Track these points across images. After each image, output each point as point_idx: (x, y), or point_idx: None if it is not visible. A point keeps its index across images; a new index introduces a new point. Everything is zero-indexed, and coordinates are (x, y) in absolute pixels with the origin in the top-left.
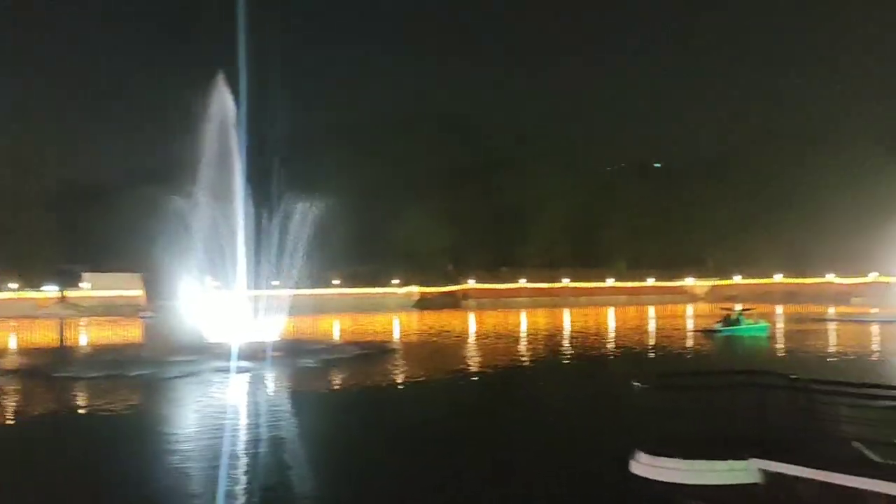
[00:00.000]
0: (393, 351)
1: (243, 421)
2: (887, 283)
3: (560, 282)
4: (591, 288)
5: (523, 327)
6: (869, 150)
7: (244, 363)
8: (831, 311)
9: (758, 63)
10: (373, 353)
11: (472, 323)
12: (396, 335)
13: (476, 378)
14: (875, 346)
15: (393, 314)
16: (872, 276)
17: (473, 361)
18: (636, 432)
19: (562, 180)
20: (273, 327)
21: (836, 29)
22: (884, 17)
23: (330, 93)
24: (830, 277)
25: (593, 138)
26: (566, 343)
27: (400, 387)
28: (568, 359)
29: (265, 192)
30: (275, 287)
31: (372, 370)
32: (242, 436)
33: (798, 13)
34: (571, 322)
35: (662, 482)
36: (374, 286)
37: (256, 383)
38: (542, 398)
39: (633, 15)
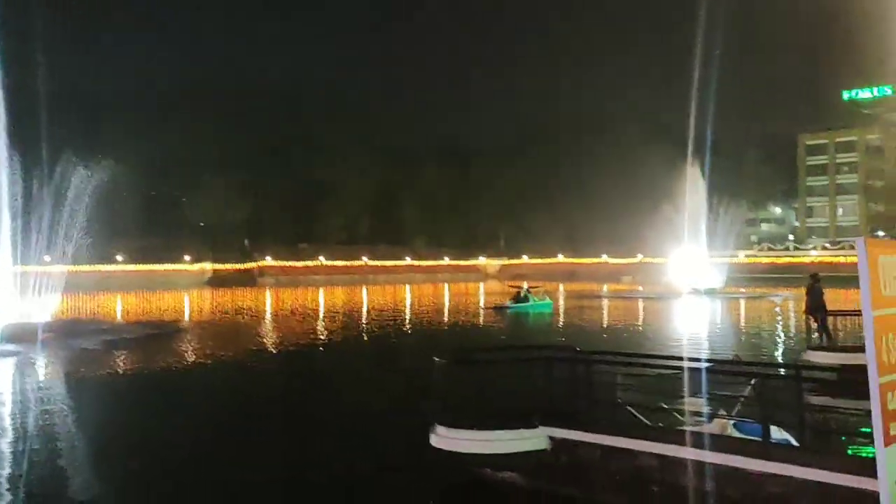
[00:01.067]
0: (182, 331)
1: (3, 412)
2: (653, 263)
3: (359, 260)
4: (389, 266)
5: (321, 305)
6: (639, 141)
7: (8, 346)
8: (605, 288)
9: (557, 53)
10: (160, 333)
11: (268, 301)
12: (187, 314)
13: (271, 358)
14: (641, 320)
15: (184, 292)
16: (640, 257)
17: (268, 341)
18: (435, 406)
19: (363, 158)
20: (45, 307)
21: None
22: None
23: (124, 55)
24: (605, 258)
25: (399, 117)
26: (364, 321)
27: (189, 370)
28: (366, 336)
29: (36, 156)
30: (46, 263)
31: (158, 352)
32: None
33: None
34: (369, 300)
35: (460, 453)
36: (164, 263)
37: (23, 368)
38: (340, 376)
39: (444, 5)
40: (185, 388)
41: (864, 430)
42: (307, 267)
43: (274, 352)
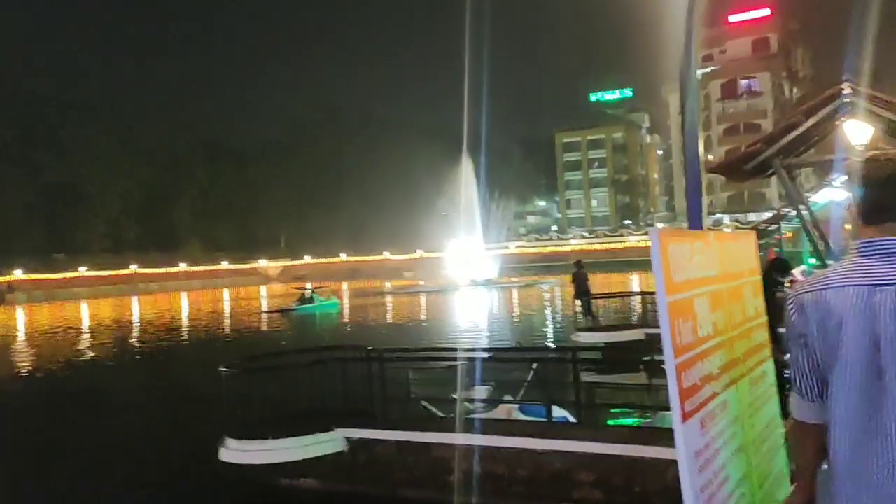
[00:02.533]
0: None
1: None
2: (432, 258)
3: (127, 268)
4: (161, 273)
5: (85, 320)
6: (415, 139)
7: None
8: (388, 285)
9: (333, 50)
10: None
11: (20, 319)
12: None
13: (28, 383)
14: (425, 314)
15: None
16: (420, 253)
17: (22, 364)
18: (223, 419)
19: (122, 157)
20: None
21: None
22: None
23: None
24: (386, 255)
25: (154, 114)
26: (136, 334)
27: None
28: (140, 351)
29: None
30: None
31: None
32: None
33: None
34: (141, 311)
35: (253, 465)
36: None
37: None
38: (113, 396)
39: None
40: None
41: (627, 402)
42: (66, 279)
43: (27, 376)
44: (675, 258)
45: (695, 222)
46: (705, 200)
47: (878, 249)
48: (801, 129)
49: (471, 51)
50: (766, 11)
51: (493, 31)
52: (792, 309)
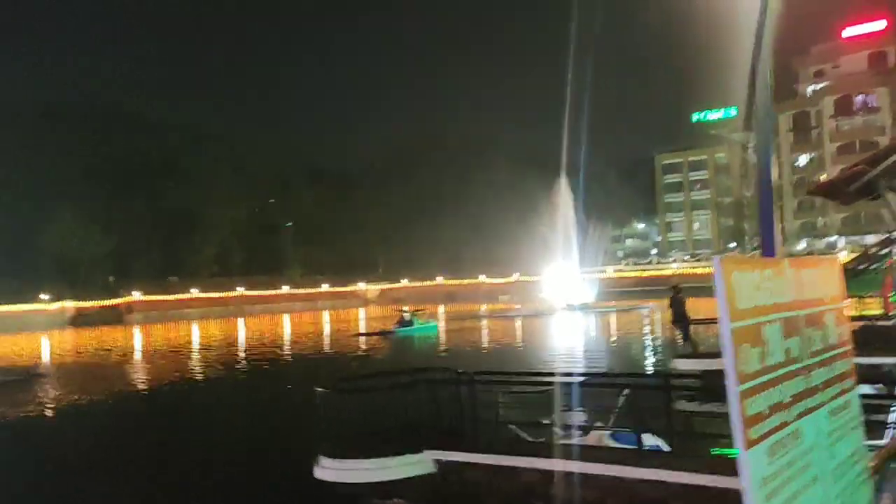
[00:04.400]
0: (42, 375)
1: None
2: (528, 281)
3: (234, 290)
4: (266, 296)
5: (196, 340)
6: (514, 169)
7: None
8: (484, 308)
9: (428, 78)
10: (16, 379)
11: (137, 338)
12: (47, 357)
13: (145, 398)
14: (520, 338)
15: (43, 333)
16: (516, 276)
17: (140, 380)
18: (320, 437)
19: (234, 184)
20: None
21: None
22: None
23: None
24: (483, 278)
25: (266, 142)
26: (242, 353)
27: (52, 416)
28: (245, 370)
29: None
30: None
31: (17, 399)
32: None
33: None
34: (247, 331)
35: (346, 483)
36: (18, 303)
37: None
38: (221, 411)
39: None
40: (47, 435)
41: (725, 432)
42: (179, 300)
43: (146, 392)
44: (739, 285)
45: (767, 250)
46: (819, 221)
47: None
48: None
49: (571, 73)
50: (882, 24)
51: (595, 52)
52: None
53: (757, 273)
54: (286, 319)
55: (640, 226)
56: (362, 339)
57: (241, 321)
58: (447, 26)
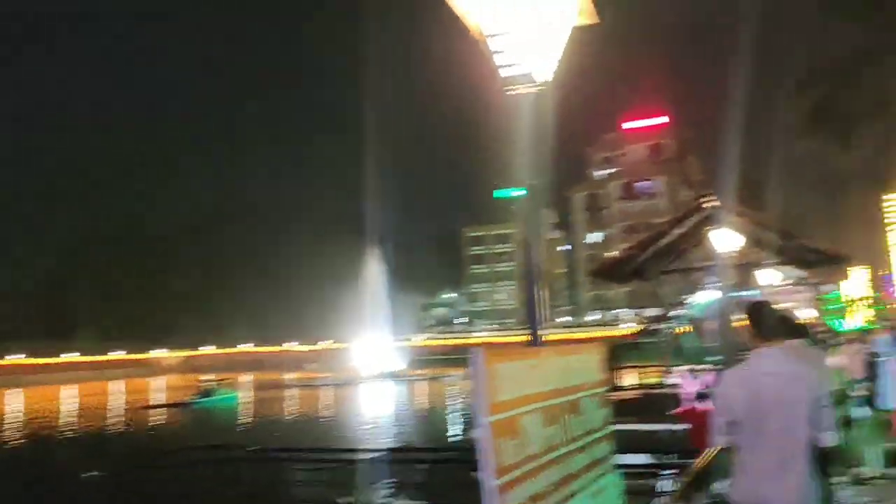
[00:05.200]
0: None
1: None
2: (338, 349)
3: (13, 356)
4: (51, 364)
5: None
6: (326, 234)
7: None
8: (292, 376)
9: (238, 138)
10: None
11: None
12: None
13: None
14: (327, 409)
15: None
16: (325, 343)
17: None
18: None
19: (25, 243)
20: None
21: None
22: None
23: None
24: (291, 345)
25: (64, 197)
26: (5, 431)
27: None
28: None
29: None
30: None
31: None
32: None
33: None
34: (25, 404)
35: None
36: None
37: None
38: None
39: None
40: None
41: None
42: None
43: None
44: (501, 377)
45: (534, 339)
46: (608, 293)
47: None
48: (669, 238)
49: (381, 151)
50: (661, 119)
51: (405, 130)
52: None
53: (519, 363)
54: (69, 391)
55: (449, 295)
56: (155, 411)
57: (16, 392)
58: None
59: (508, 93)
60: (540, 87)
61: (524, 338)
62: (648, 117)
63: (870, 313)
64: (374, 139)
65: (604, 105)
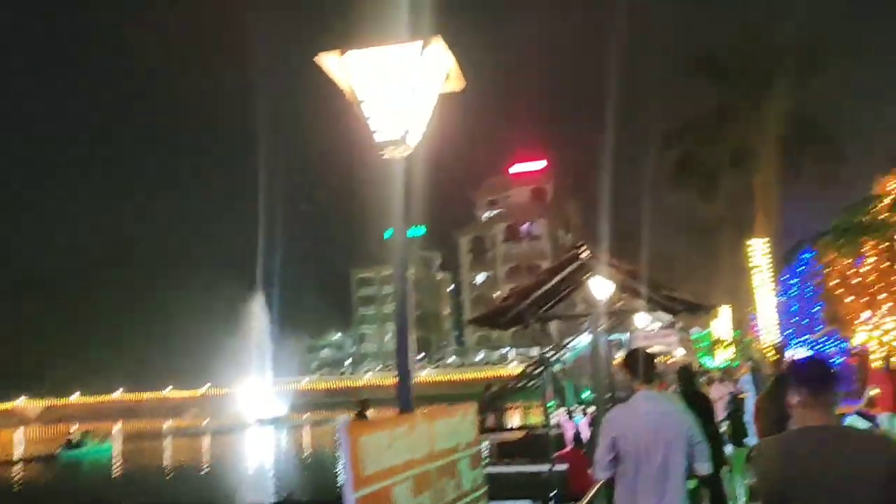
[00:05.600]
0: None
1: None
2: (219, 394)
3: None
4: None
5: None
6: (209, 276)
7: None
8: (171, 424)
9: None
10: None
11: None
12: None
13: None
14: (206, 458)
15: None
16: (206, 389)
17: None
18: None
19: None
20: None
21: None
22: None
23: None
24: (169, 391)
25: None
26: None
27: None
28: None
29: None
30: None
31: None
32: None
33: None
34: None
35: None
36: None
37: None
38: None
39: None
40: None
41: None
42: None
43: None
44: (367, 449)
45: (404, 402)
46: (493, 334)
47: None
48: (547, 287)
49: (268, 192)
50: (542, 164)
51: (296, 175)
52: None
53: (387, 433)
54: None
55: (336, 336)
56: (16, 467)
57: None
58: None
59: (382, 156)
60: (410, 151)
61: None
62: (532, 161)
63: (734, 351)
64: (265, 184)
65: (492, 149)
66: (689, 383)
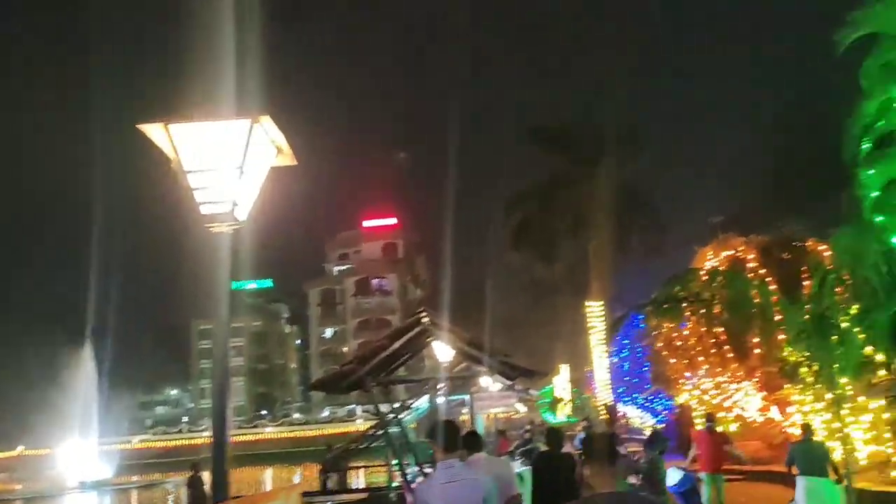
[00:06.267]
0: None
1: None
2: (36, 456)
3: None
4: None
5: None
6: (37, 327)
7: None
8: None
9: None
10: None
11: None
12: None
13: None
14: None
15: None
16: (20, 450)
17: None
18: None
19: None
20: None
21: None
22: None
23: None
24: None
25: None
26: None
27: None
28: None
29: None
30: None
31: None
32: None
33: None
34: None
35: None
36: None
37: None
38: None
39: None
40: None
41: None
42: None
43: None
44: None
45: (218, 480)
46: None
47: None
48: (388, 352)
49: (98, 241)
50: (393, 220)
51: (134, 225)
52: None
53: None
54: None
55: (173, 392)
56: None
57: None
58: None
59: (209, 228)
60: (238, 226)
61: (252, 436)
62: (384, 217)
63: (570, 408)
64: (98, 234)
65: (346, 202)
66: (557, 445)
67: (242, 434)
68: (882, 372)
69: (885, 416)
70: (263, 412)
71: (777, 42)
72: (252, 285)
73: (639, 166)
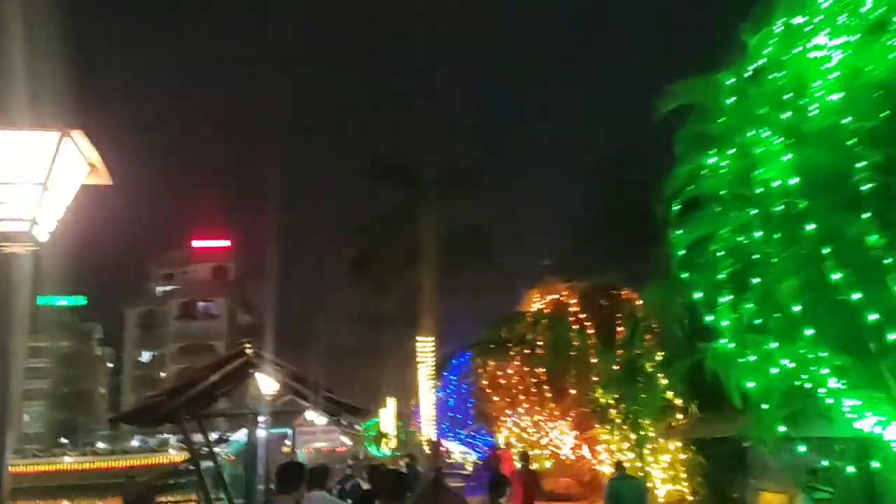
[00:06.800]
0: None
1: None
2: None
3: None
4: None
5: None
6: None
7: None
8: None
9: None
10: None
11: None
12: None
13: None
14: None
15: None
16: None
17: None
18: None
19: None
20: None
21: None
22: None
23: None
24: None
25: None
26: None
27: None
28: None
29: None
30: None
31: None
32: None
33: None
34: None
35: None
36: None
37: None
38: None
39: None
40: None
41: None
42: None
43: None
44: None
45: None
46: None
47: None
48: (205, 384)
49: None
50: (226, 243)
51: None
52: None
53: None
54: None
55: None
56: None
57: None
58: None
59: (2, 248)
60: (36, 247)
61: (48, 466)
62: (216, 238)
63: (395, 443)
64: None
65: (176, 221)
66: (380, 484)
67: (35, 464)
68: (680, 416)
69: (682, 457)
70: (64, 440)
71: (619, 96)
72: (63, 302)
73: (478, 204)
